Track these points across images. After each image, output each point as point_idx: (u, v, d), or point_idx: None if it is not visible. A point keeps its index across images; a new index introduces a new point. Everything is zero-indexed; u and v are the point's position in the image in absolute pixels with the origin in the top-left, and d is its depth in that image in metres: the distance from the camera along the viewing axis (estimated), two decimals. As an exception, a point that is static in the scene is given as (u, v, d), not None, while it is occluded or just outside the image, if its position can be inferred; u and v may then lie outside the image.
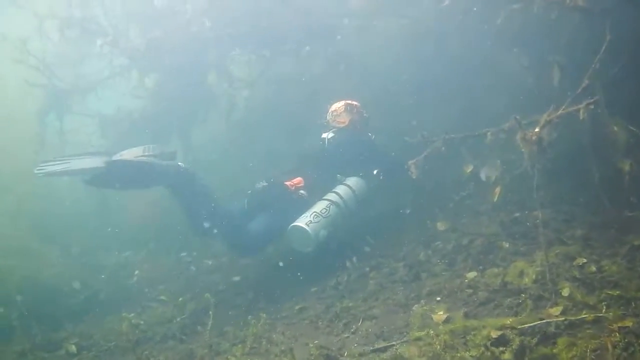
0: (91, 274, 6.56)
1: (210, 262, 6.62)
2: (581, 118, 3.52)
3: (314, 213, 5.37)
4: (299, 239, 5.31)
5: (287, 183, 5.68)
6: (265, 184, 5.72)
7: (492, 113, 5.53)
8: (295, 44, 8.23)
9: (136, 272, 6.55)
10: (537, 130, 3.69)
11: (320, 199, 5.61)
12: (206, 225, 5.19)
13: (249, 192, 5.79)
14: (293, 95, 8.71)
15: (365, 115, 6.47)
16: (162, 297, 5.93)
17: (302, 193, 5.66)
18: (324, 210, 5.44)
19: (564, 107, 3.65)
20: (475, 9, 5.88)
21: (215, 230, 5.23)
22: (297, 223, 5.27)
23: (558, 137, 3.93)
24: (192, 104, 8.32)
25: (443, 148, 4.90)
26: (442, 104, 7.09)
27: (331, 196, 5.65)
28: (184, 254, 6.91)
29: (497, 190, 4.85)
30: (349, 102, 6.42)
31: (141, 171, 4.93)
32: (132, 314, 5.31)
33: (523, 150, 3.69)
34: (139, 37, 6.88)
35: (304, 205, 5.52)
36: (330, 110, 6.44)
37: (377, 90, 7.78)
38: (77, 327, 5.48)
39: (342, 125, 6.30)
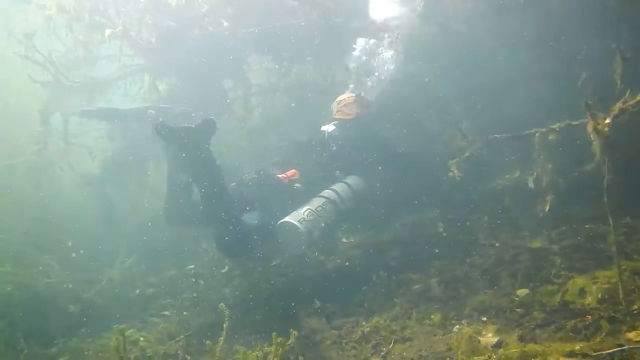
0: (90, 285, 6.00)
1: (219, 276, 6.03)
2: (669, 103, 2.95)
3: (309, 210, 4.74)
4: (289, 237, 4.68)
5: (281, 176, 5.10)
6: (254, 175, 5.11)
7: (535, 120, 4.97)
8: (316, 50, 7.77)
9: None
10: (608, 121, 3.12)
11: (316, 195, 5.01)
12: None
13: (234, 184, 5.13)
14: (313, 102, 8.22)
15: (374, 112, 5.97)
16: (166, 312, 5.41)
17: (297, 186, 5.08)
18: (320, 208, 4.83)
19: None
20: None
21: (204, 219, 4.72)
22: (289, 219, 4.64)
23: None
24: (206, 109, 7.80)
25: (485, 150, 4.36)
26: (475, 113, 6.53)
27: (328, 193, 5.05)
28: (191, 266, 6.33)
29: (549, 199, 4.30)
30: (362, 95, 5.90)
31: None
32: (131, 329, 4.79)
33: (594, 143, 3.11)
34: (150, 29, 6.42)
35: (299, 201, 4.91)
36: (337, 99, 5.91)
37: (402, 100, 7.23)
38: (70, 343, 4.92)
39: (346, 118, 5.76)
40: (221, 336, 3.47)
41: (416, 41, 7.32)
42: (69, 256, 6.22)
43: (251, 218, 4.81)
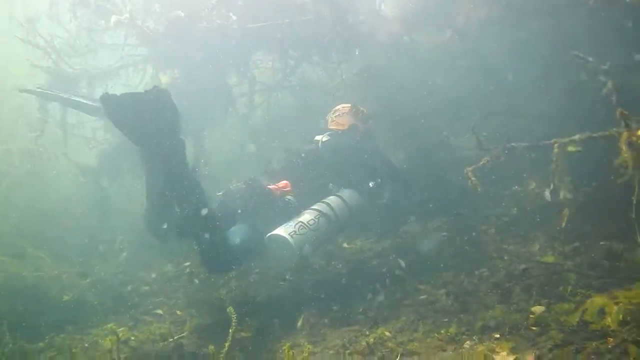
0: (81, 279, 5.80)
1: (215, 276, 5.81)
2: None
3: (300, 223, 4.49)
4: (279, 250, 4.43)
5: (272, 187, 4.84)
6: (242, 185, 4.83)
7: (551, 129, 4.79)
8: (324, 52, 7.60)
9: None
10: (641, 133, 2.95)
11: (308, 208, 4.76)
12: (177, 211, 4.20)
13: (220, 193, 4.84)
14: (317, 103, 8.05)
15: (369, 124, 5.86)
16: (159, 311, 5.22)
17: (289, 199, 4.82)
18: (312, 221, 4.57)
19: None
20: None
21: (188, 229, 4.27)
22: (278, 232, 4.38)
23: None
24: (209, 104, 7.61)
25: (502, 158, 4.19)
26: (487, 121, 6.34)
27: (321, 207, 4.80)
28: (187, 263, 6.13)
29: (565, 213, 4.12)
30: (358, 106, 5.75)
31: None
32: (122, 328, 4.59)
33: (627, 156, 2.93)
34: (158, 18, 6.22)
35: (290, 214, 4.66)
36: (332, 109, 5.78)
37: (409, 104, 7.03)
38: (57, 338, 4.70)
39: (340, 128, 5.64)
40: (224, 340, 3.29)
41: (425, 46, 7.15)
42: (61, 248, 6.00)
43: (237, 232, 4.55)
